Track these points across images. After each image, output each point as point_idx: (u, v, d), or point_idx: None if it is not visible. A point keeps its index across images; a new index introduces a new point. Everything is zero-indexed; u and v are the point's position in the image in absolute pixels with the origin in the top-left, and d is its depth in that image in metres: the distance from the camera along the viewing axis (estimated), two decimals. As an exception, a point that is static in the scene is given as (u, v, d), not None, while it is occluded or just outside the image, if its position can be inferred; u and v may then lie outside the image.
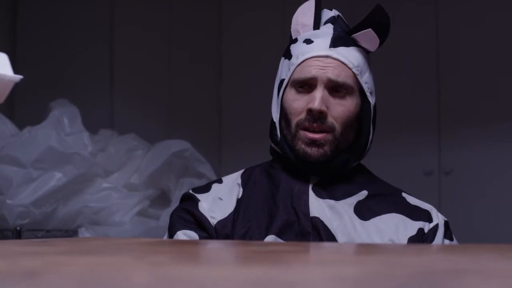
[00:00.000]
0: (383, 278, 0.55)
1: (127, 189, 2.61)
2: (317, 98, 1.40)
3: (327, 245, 1.18)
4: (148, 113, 3.91)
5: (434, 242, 1.44)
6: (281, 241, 1.38)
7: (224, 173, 1.55)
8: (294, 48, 1.48)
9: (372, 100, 1.48)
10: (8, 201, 2.40)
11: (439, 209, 3.28)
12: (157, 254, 0.79)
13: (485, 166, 3.83)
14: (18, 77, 0.77)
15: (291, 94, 1.45)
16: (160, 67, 4.04)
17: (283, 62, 1.50)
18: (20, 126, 2.69)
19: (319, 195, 1.43)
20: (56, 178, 2.46)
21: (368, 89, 1.47)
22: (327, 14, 1.51)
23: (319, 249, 0.96)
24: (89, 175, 2.54)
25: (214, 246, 1.03)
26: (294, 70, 1.45)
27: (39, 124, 2.57)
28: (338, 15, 1.52)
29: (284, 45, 1.54)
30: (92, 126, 2.86)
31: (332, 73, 1.42)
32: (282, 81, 1.48)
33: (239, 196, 1.47)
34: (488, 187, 3.81)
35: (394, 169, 3.73)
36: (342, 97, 1.43)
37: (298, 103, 1.43)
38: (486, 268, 0.62)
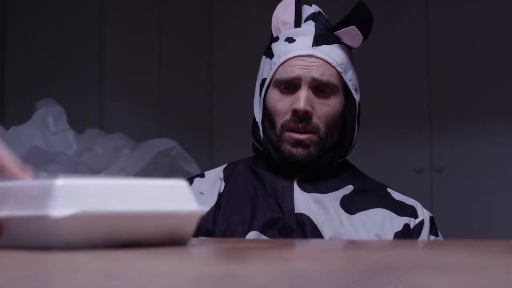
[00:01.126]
0: (336, 273, 0.54)
1: (113, 188, 2.59)
2: (302, 98, 1.39)
3: (302, 242, 1.17)
4: (138, 112, 3.90)
5: (420, 238, 1.43)
6: (265, 237, 1.37)
7: (215, 171, 1.52)
8: (275, 47, 1.46)
9: (357, 97, 1.46)
10: (-7, 201, 2.38)
11: (431, 207, 3.27)
12: (120, 250, 0.77)
13: (477, 164, 3.82)
14: (203, 210, 0.73)
15: (274, 94, 1.43)
16: (150, 65, 4.03)
17: (265, 60, 1.48)
18: (11, 126, 2.66)
19: (305, 189, 1.42)
20: (41, 177, 2.44)
21: (353, 86, 1.46)
22: (307, 10, 1.49)
23: (290, 246, 0.94)
24: (75, 174, 2.52)
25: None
26: (276, 70, 1.44)
27: (24, 124, 2.56)
28: (319, 11, 1.50)
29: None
30: (82, 125, 2.85)
31: (316, 72, 1.41)
32: (264, 80, 1.46)
33: (221, 190, 1.45)
34: (480, 184, 3.80)
35: (384, 166, 3.71)
36: (327, 97, 1.42)
37: (282, 103, 1.42)
38: (446, 264, 0.61)
